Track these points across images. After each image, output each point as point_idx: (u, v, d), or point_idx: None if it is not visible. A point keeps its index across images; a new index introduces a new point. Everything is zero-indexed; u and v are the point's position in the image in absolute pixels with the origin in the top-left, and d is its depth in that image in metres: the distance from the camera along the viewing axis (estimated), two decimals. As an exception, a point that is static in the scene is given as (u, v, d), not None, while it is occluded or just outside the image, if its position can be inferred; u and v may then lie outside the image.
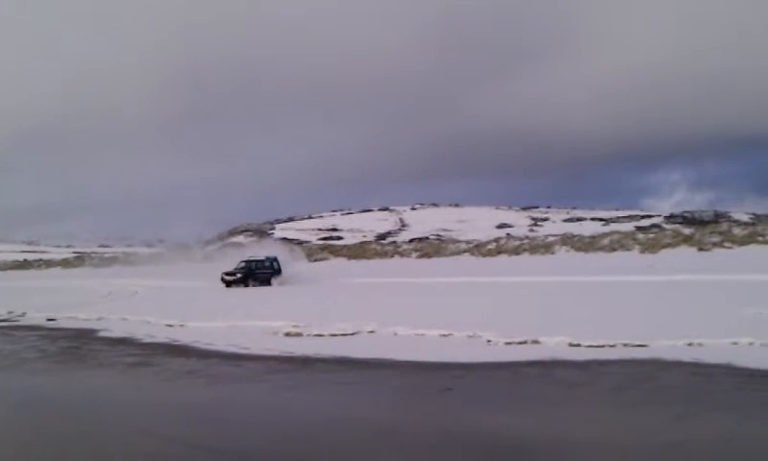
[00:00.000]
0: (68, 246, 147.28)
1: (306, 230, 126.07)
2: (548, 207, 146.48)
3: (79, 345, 17.42)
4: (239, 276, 38.75)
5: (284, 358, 13.81)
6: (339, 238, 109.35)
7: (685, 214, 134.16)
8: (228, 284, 38.13)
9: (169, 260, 69.54)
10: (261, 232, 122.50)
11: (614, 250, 50.67)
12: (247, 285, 37.96)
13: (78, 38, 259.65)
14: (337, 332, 16.34)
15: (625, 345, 12.91)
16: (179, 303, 27.29)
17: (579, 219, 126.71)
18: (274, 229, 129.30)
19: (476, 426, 8.25)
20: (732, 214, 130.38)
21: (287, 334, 16.78)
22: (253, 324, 18.78)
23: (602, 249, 51.08)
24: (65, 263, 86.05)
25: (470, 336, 14.78)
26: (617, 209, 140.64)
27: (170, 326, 19.64)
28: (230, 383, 11.90)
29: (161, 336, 17.78)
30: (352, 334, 16.13)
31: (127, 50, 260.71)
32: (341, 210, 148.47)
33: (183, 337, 17.41)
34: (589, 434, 7.75)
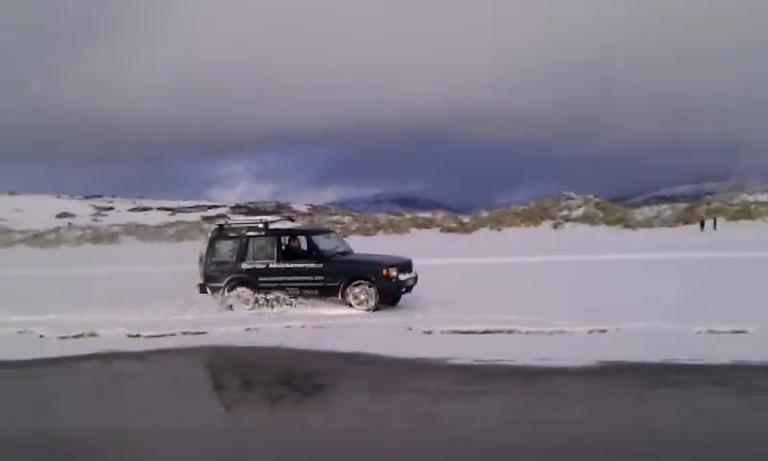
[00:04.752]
0: None
1: None
2: (113, 197, 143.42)
3: None
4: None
5: None
6: None
7: (249, 204, 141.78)
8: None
9: None
10: None
11: (181, 240, 51.40)
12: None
13: None
14: None
15: (185, 333, 13.09)
16: None
17: (145, 209, 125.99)
18: None
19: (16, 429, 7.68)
20: (291, 204, 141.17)
21: None
22: None
23: (168, 238, 51.31)
24: None
25: (21, 333, 13.63)
26: (185, 199, 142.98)
27: None
28: None
29: None
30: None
31: None
32: None
33: None
34: (129, 423, 7.72)
